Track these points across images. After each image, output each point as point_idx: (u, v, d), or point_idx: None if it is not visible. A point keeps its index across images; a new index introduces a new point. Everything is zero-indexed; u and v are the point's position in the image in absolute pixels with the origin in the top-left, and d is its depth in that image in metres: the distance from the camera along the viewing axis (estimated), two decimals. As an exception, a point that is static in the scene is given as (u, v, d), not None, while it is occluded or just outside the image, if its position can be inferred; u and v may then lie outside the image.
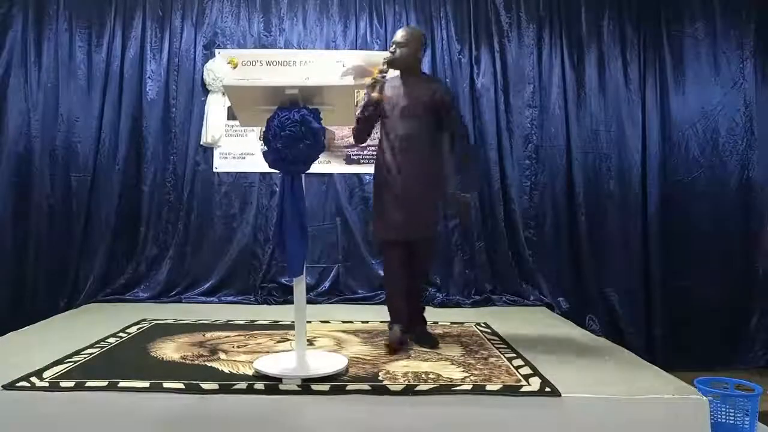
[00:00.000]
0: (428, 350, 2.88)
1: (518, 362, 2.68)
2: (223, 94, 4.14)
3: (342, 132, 4.22)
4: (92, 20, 4.22)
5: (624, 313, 4.17)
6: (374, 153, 4.21)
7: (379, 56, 4.26)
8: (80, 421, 2.20)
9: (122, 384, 2.30)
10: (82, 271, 4.09)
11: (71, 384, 2.32)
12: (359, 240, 4.25)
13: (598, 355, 2.96)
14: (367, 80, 3.12)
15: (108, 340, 3.01)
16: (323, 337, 3.11)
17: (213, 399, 2.25)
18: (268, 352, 2.79)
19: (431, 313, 3.82)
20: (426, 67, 4.30)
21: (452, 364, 2.66)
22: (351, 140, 4.23)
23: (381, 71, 2.93)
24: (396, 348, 2.84)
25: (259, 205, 4.25)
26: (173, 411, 2.21)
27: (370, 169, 4.27)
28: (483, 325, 3.48)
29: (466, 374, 2.49)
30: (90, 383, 2.31)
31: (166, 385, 2.30)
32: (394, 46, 2.96)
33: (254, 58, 4.28)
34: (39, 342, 3.00)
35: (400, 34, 2.96)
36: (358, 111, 2.99)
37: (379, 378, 2.43)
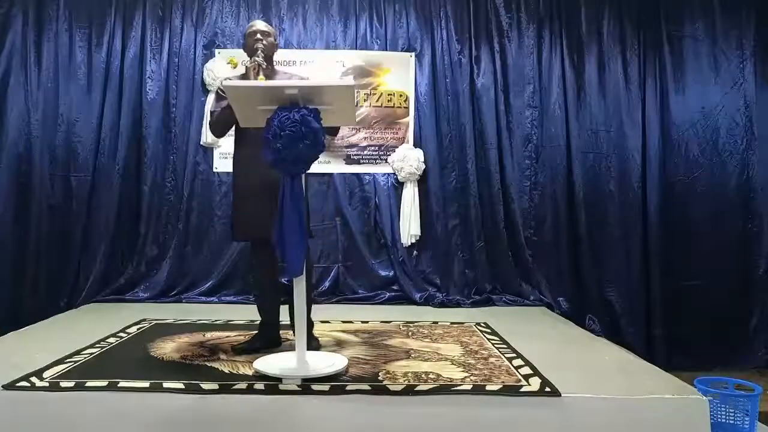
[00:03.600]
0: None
1: (518, 362, 2.68)
2: (224, 94, 4.13)
3: (342, 132, 4.20)
4: (92, 20, 4.22)
5: (624, 313, 4.17)
6: (375, 153, 4.29)
7: (379, 56, 4.30)
8: (80, 421, 2.20)
9: (122, 384, 2.30)
10: (82, 271, 4.09)
11: (71, 384, 2.32)
12: (359, 240, 4.25)
13: (598, 355, 2.96)
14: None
15: (108, 340, 3.01)
16: (323, 337, 3.10)
17: (213, 399, 2.25)
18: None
19: (432, 313, 3.85)
20: (426, 67, 4.32)
21: (452, 364, 2.65)
22: (351, 140, 4.29)
23: (256, 63, 2.68)
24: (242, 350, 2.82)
25: (259, 206, 4.24)
26: (173, 411, 2.21)
27: (370, 169, 4.30)
28: (483, 325, 3.48)
29: (466, 374, 2.49)
30: (90, 383, 2.31)
31: (166, 385, 2.30)
32: (261, 37, 2.75)
33: (254, 58, 4.28)
34: (39, 342, 3.00)
35: (263, 25, 2.82)
36: (216, 105, 2.77)
37: (379, 378, 2.43)
